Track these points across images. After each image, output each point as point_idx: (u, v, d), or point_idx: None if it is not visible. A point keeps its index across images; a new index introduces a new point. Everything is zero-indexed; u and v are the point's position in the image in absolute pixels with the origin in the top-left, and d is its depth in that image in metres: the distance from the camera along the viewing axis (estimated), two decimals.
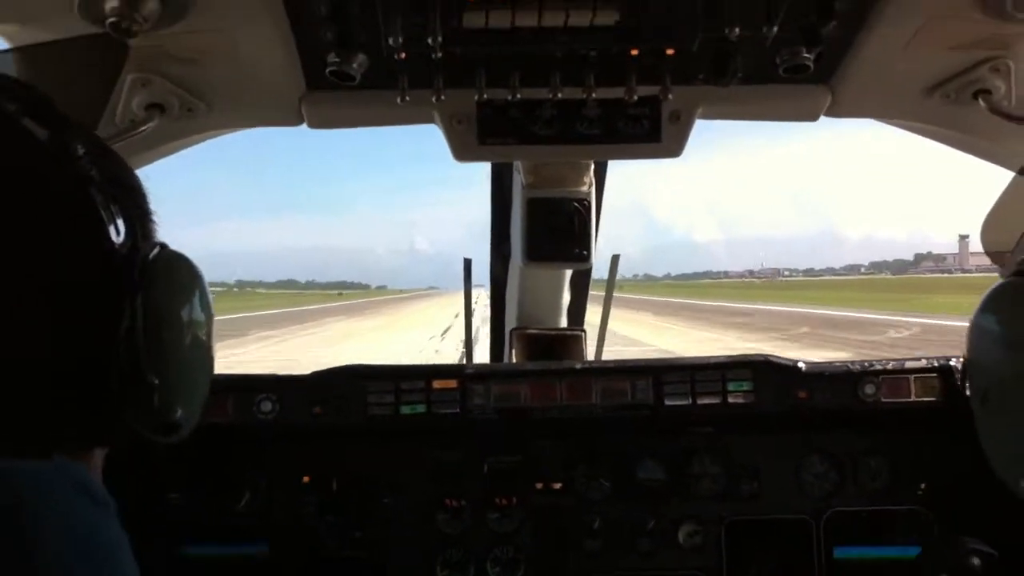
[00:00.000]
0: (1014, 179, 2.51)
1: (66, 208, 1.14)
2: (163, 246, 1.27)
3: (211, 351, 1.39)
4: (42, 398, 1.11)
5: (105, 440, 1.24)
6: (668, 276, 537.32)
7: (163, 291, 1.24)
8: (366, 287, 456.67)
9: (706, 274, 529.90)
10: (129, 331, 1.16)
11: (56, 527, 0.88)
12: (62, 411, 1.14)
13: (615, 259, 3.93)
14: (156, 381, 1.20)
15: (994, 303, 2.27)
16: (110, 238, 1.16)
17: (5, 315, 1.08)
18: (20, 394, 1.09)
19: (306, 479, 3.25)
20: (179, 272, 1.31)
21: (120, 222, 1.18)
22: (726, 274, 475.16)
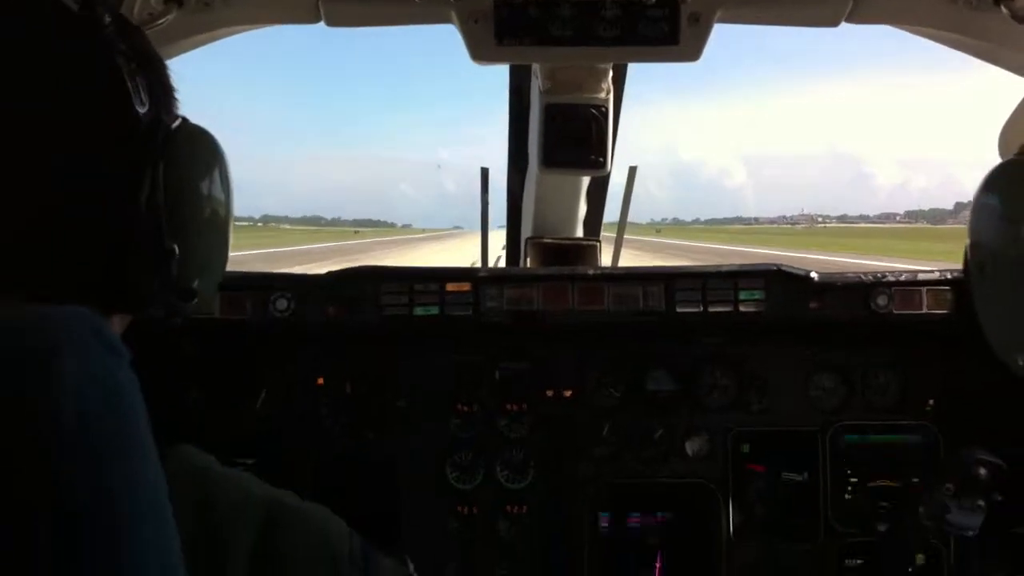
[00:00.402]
0: None
1: (92, 74, 1.16)
2: (185, 120, 1.29)
3: (229, 226, 1.42)
4: (63, 258, 1.14)
5: (125, 304, 1.27)
6: (698, 221, 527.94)
7: (184, 162, 1.26)
8: (391, 225, 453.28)
9: (737, 219, 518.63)
10: (150, 198, 1.18)
11: (76, 367, 0.91)
12: (82, 272, 1.17)
13: (632, 170, 3.92)
14: (175, 247, 1.23)
15: (993, 182, 2.31)
16: (134, 106, 1.18)
17: (30, 178, 1.10)
18: (42, 254, 1.13)
19: (320, 380, 3.31)
20: (201, 145, 1.34)
21: (144, 92, 1.20)
22: (756, 220, 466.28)
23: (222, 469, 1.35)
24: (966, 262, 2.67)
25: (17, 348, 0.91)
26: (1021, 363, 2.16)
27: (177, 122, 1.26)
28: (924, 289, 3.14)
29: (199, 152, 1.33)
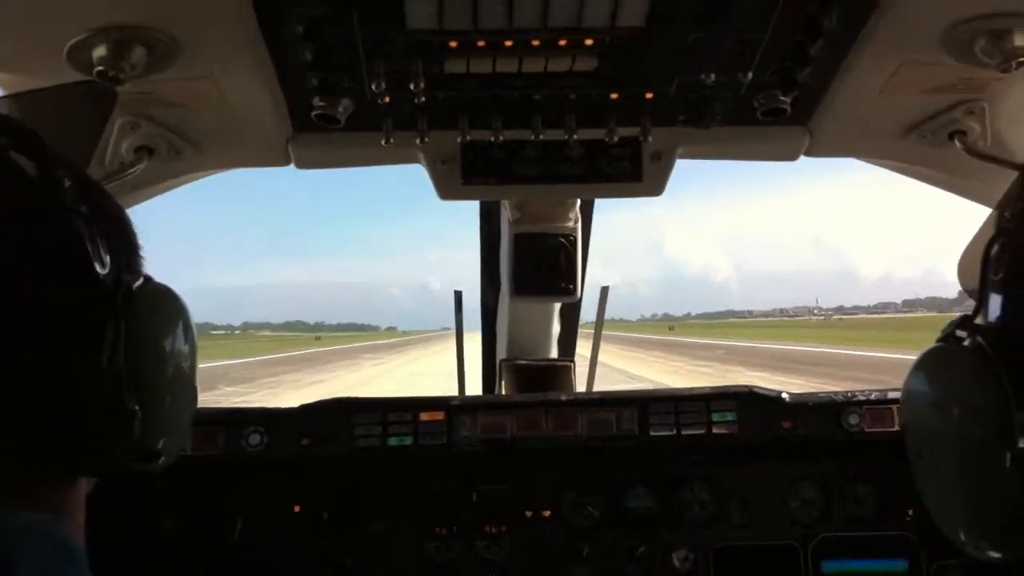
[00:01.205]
0: (990, 216, 2.55)
1: (50, 239, 1.16)
2: (148, 278, 1.30)
3: (194, 383, 1.41)
4: (23, 426, 1.13)
5: (88, 469, 1.26)
6: (689, 316, 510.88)
7: (146, 322, 1.25)
8: (375, 329, 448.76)
9: (729, 313, 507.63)
10: (111, 361, 1.17)
11: None
12: (43, 439, 1.16)
13: (604, 291, 3.97)
14: (137, 410, 1.21)
15: (924, 366, 2.33)
16: (94, 268, 1.18)
17: None
18: (1, 423, 1.12)
19: (296, 508, 3.27)
20: (163, 303, 1.33)
21: (105, 253, 1.20)
22: (750, 313, 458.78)
23: None
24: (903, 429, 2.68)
25: None
26: (970, 548, 2.15)
27: (139, 281, 1.26)
28: (894, 407, 3.17)
29: (161, 310, 1.32)
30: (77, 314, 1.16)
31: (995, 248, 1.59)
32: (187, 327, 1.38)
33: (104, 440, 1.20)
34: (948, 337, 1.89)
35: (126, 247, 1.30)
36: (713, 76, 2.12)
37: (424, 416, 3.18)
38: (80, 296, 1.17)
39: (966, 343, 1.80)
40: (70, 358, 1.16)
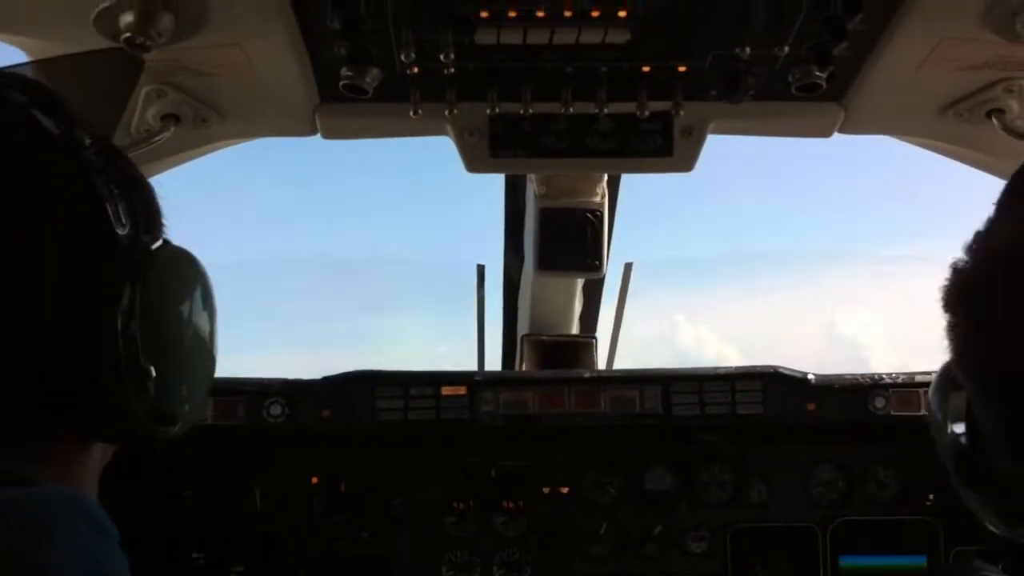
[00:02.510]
0: None
1: (68, 195, 1.15)
2: (167, 241, 1.27)
3: (212, 348, 1.37)
4: (38, 388, 1.12)
5: (103, 432, 1.24)
6: None
7: (164, 284, 1.23)
8: None
9: None
10: (127, 322, 1.15)
11: (67, 560, 0.89)
12: (58, 401, 1.14)
13: (628, 267, 3.93)
14: (152, 372, 1.18)
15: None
16: (112, 227, 1.16)
17: (3, 299, 1.09)
18: (16, 383, 1.10)
19: (315, 480, 3.28)
20: (181, 266, 1.30)
21: (123, 213, 1.18)
22: None
23: None
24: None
25: (5, 540, 0.89)
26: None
27: (158, 243, 1.24)
28: (922, 390, 3.13)
29: (179, 273, 1.29)
30: (95, 273, 1.14)
31: None
32: (207, 291, 1.35)
33: (119, 402, 1.17)
34: None
35: (146, 210, 1.27)
36: (748, 50, 2.08)
37: (446, 391, 3.16)
38: (98, 255, 1.15)
39: None
40: (86, 318, 1.13)
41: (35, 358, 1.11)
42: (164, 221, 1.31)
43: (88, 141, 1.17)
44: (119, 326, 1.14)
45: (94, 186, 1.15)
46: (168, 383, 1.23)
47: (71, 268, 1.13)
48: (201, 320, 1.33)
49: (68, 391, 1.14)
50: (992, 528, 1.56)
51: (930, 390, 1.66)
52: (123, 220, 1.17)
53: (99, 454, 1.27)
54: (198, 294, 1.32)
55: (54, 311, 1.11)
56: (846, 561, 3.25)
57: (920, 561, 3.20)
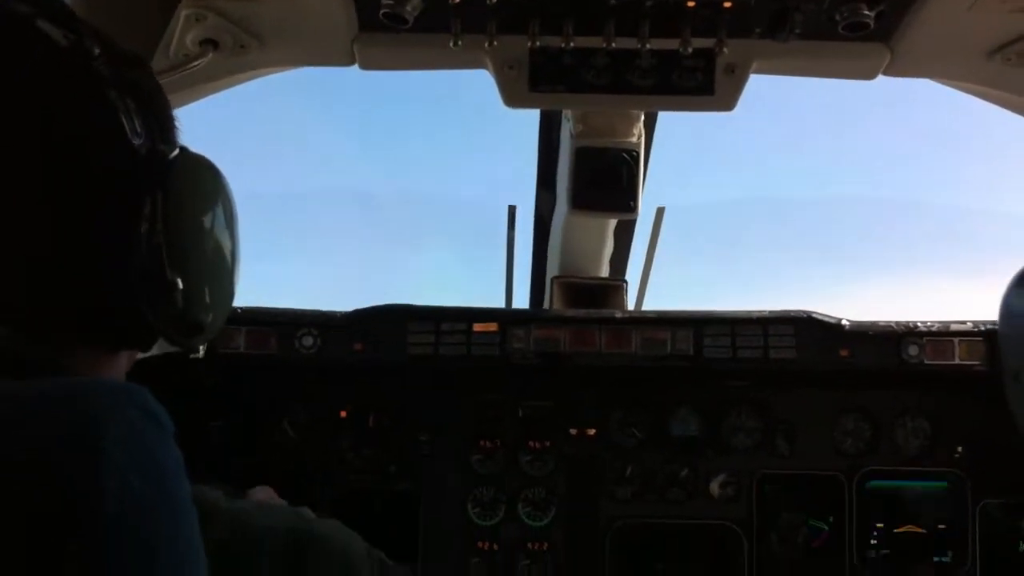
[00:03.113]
0: None
1: (80, 107, 1.14)
2: (184, 149, 1.26)
3: (236, 258, 1.37)
4: (64, 293, 1.12)
5: (130, 339, 1.25)
6: None
7: (184, 193, 1.22)
8: None
9: None
10: (150, 230, 1.15)
11: (120, 445, 0.90)
12: (84, 306, 1.15)
13: (660, 212, 3.90)
14: (178, 281, 1.19)
15: None
16: (127, 138, 1.15)
17: (26, 212, 1.09)
18: (43, 288, 1.11)
19: (343, 413, 3.30)
20: (201, 175, 1.30)
21: (138, 123, 1.17)
22: None
23: (229, 504, 1.32)
24: (995, 363, 2.59)
25: (60, 425, 0.89)
26: None
27: (175, 152, 1.23)
28: (956, 340, 3.11)
29: (200, 183, 1.29)
30: (113, 183, 1.14)
31: None
32: (227, 199, 1.34)
33: (145, 312, 1.18)
34: None
35: (160, 119, 1.25)
36: None
37: (478, 327, 3.17)
38: (116, 166, 1.14)
39: None
40: (108, 228, 1.14)
41: (62, 265, 1.11)
42: (177, 127, 1.30)
43: (97, 51, 1.15)
44: (142, 238, 1.15)
45: (106, 97, 1.14)
46: (194, 293, 1.24)
47: (89, 180, 1.13)
48: (223, 230, 1.32)
49: (94, 301, 1.15)
50: None
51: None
52: (138, 130, 1.17)
53: (126, 361, 1.28)
54: (219, 201, 1.32)
55: (77, 221, 1.11)
56: (875, 484, 3.28)
57: (942, 484, 3.22)
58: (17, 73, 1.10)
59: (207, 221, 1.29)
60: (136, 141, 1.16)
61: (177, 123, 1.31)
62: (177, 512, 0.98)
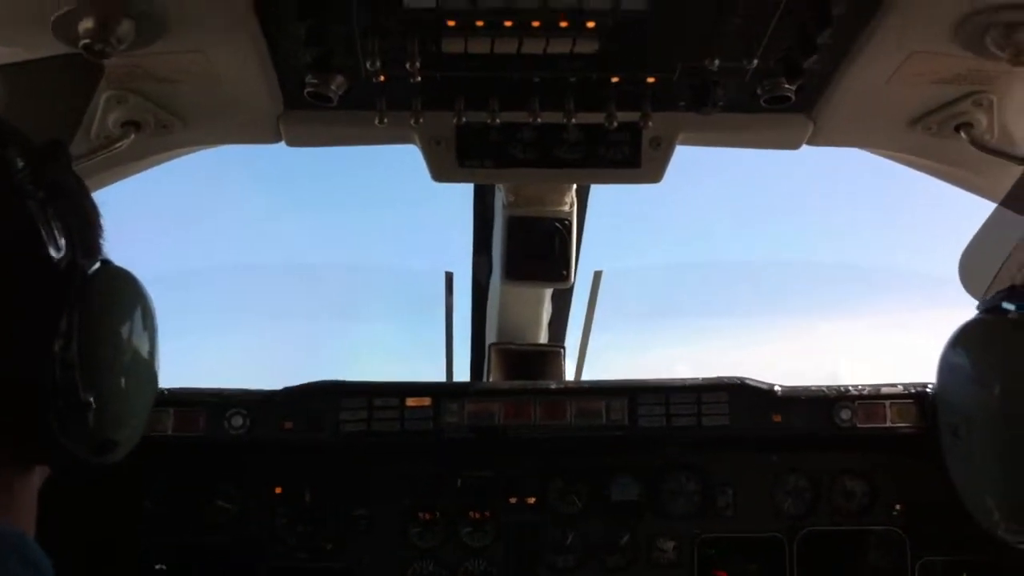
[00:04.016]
0: (995, 211, 2.51)
1: (1, 219, 1.12)
2: (105, 261, 1.24)
3: (153, 369, 1.35)
4: None
5: (42, 459, 1.21)
6: None
7: (102, 307, 1.20)
8: None
9: None
10: (65, 346, 1.12)
11: None
12: None
13: (597, 276, 3.92)
14: (91, 400, 1.16)
15: (964, 339, 2.24)
16: (47, 252, 1.12)
17: None
18: None
19: (278, 490, 3.24)
20: (120, 288, 1.28)
21: (60, 236, 1.15)
22: None
23: None
24: (932, 419, 2.62)
25: None
26: (1003, 531, 2.10)
27: (95, 266, 1.21)
28: (888, 403, 3.14)
29: (119, 296, 1.27)
30: (29, 300, 1.12)
31: None
32: (146, 312, 1.32)
33: (57, 431, 1.15)
34: (993, 309, 1.83)
35: (83, 227, 1.24)
36: (717, 62, 2.08)
37: (411, 402, 3.13)
38: (33, 281, 1.12)
39: (1012, 315, 1.73)
40: (22, 343, 1.11)
41: None
42: (102, 240, 1.29)
43: (21, 163, 1.13)
44: (56, 355, 1.12)
45: (27, 211, 1.12)
46: (107, 411, 1.21)
47: (6, 294, 1.10)
48: (141, 343, 1.30)
49: (6, 419, 1.11)
50: None
51: None
52: (59, 243, 1.14)
53: (39, 476, 1.24)
54: (138, 315, 1.29)
55: None
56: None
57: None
58: None
59: (124, 336, 1.27)
60: (55, 255, 1.14)
61: (102, 235, 1.29)
62: None
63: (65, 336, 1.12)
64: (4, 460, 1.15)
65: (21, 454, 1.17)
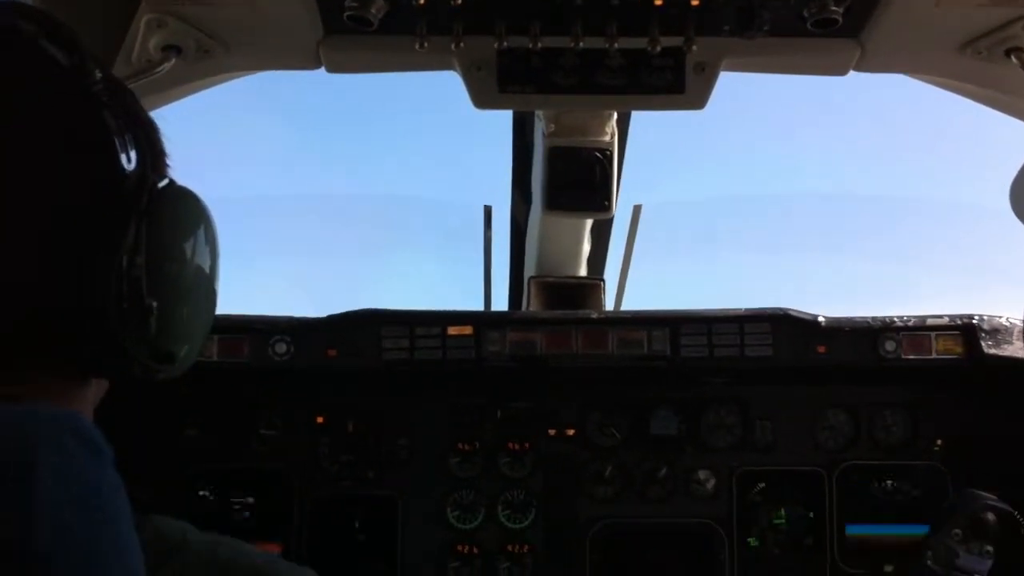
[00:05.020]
0: None
1: (78, 128, 1.13)
2: (172, 180, 1.25)
3: (214, 289, 1.36)
4: (37, 318, 1.10)
5: (101, 368, 1.23)
6: None
7: (168, 221, 1.22)
8: None
9: None
10: (131, 258, 1.14)
11: (54, 476, 0.88)
12: (58, 335, 1.13)
13: (637, 209, 3.89)
14: (154, 308, 1.17)
15: None
16: (120, 163, 1.14)
17: (7, 232, 1.07)
18: (16, 312, 1.09)
19: (320, 419, 3.28)
20: (186, 206, 1.28)
21: (131, 150, 1.16)
22: None
23: (198, 537, 1.30)
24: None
25: None
26: None
27: (164, 182, 1.22)
28: (933, 334, 3.10)
29: (185, 213, 1.28)
30: (101, 208, 1.13)
31: None
32: (210, 232, 1.33)
33: (120, 338, 1.16)
34: None
35: (152, 148, 1.25)
36: None
37: (452, 330, 3.15)
38: (106, 190, 1.13)
39: None
40: (90, 252, 1.12)
41: (35, 290, 1.09)
42: (168, 160, 1.30)
43: (99, 75, 1.14)
44: (123, 262, 1.13)
45: (104, 121, 1.13)
46: (169, 321, 1.22)
47: (78, 202, 1.11)
48: (204, 260, 1.31)
49: (67, 325, 1.12)
50: None
51: None
52: (131, 157, 1.16)
53: (95, 389, 1.26)
54: (201, 234, 1.30)
55: (58, 244, 1.10)
56: (852, 530, 3.26)
57: (923, 530, 3.22)
58: (17, 90, 1.08)
59: (188, 253, 1.27)
60: (127, 167, 1.15)
61: (168, 159, 1.30)
62: (115, 543, 0.96)
63: (133, 246, 1.14)
64: (61, 367, 1.16)
65: (81, 361, 1.19)
